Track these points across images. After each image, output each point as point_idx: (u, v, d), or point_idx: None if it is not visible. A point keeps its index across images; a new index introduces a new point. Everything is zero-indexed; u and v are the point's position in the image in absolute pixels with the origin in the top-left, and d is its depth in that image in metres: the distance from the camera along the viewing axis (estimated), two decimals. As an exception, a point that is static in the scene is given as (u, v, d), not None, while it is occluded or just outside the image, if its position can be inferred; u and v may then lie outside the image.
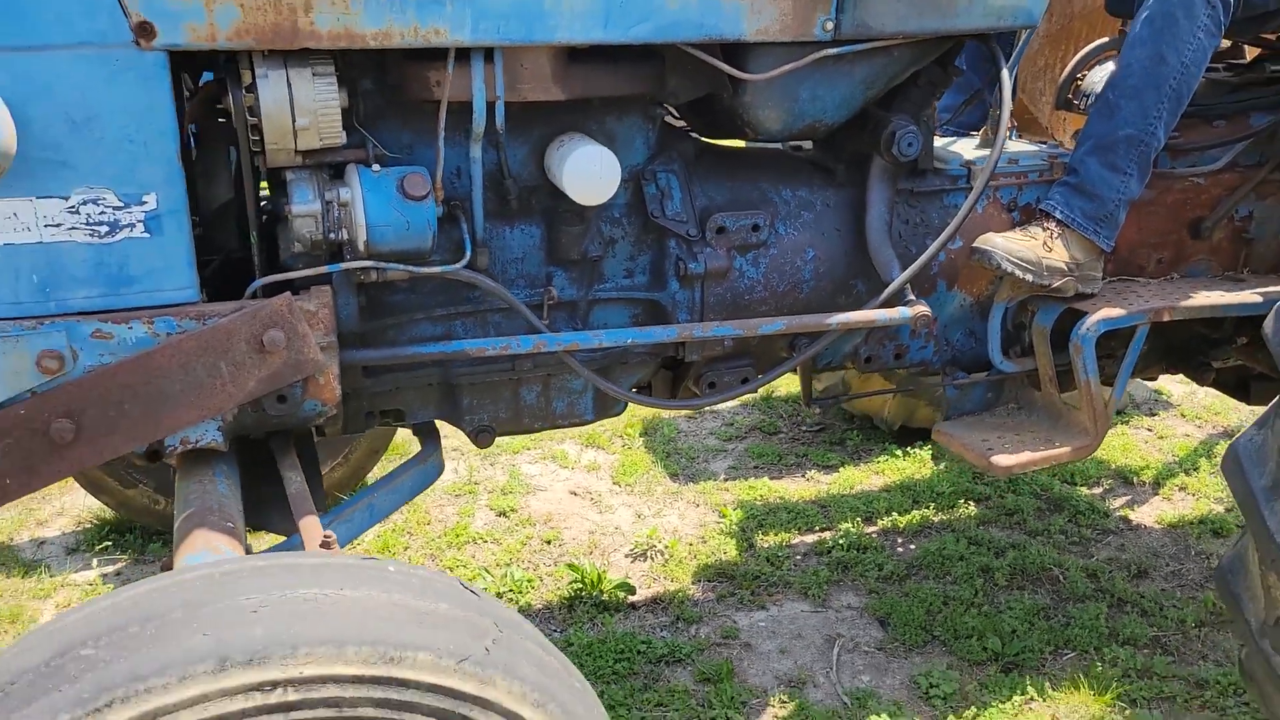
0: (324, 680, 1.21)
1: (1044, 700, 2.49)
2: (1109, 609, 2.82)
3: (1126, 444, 3.72)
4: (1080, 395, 2.30)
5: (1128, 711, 2.44)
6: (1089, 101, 2.83)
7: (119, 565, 2.97)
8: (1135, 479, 3.52)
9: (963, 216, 2.12)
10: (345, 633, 1.23)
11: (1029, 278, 2.18)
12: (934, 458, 3.63)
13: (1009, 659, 2.62)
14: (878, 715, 2.41)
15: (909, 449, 3.67)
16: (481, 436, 2.16)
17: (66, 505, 3.29)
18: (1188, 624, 2.77)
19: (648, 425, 3.79)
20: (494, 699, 1.29)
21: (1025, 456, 2.28)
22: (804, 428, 3.87)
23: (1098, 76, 2.83)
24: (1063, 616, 2.79)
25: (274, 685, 1.19)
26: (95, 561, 2.95)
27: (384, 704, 1.24)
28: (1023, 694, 2.50)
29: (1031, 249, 2.18)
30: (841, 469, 3.57)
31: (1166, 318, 2.30)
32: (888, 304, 2.16)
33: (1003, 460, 2.27)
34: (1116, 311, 2.26)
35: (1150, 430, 3.86)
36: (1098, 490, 3.46)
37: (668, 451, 3.64)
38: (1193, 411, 3.96)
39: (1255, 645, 1.91)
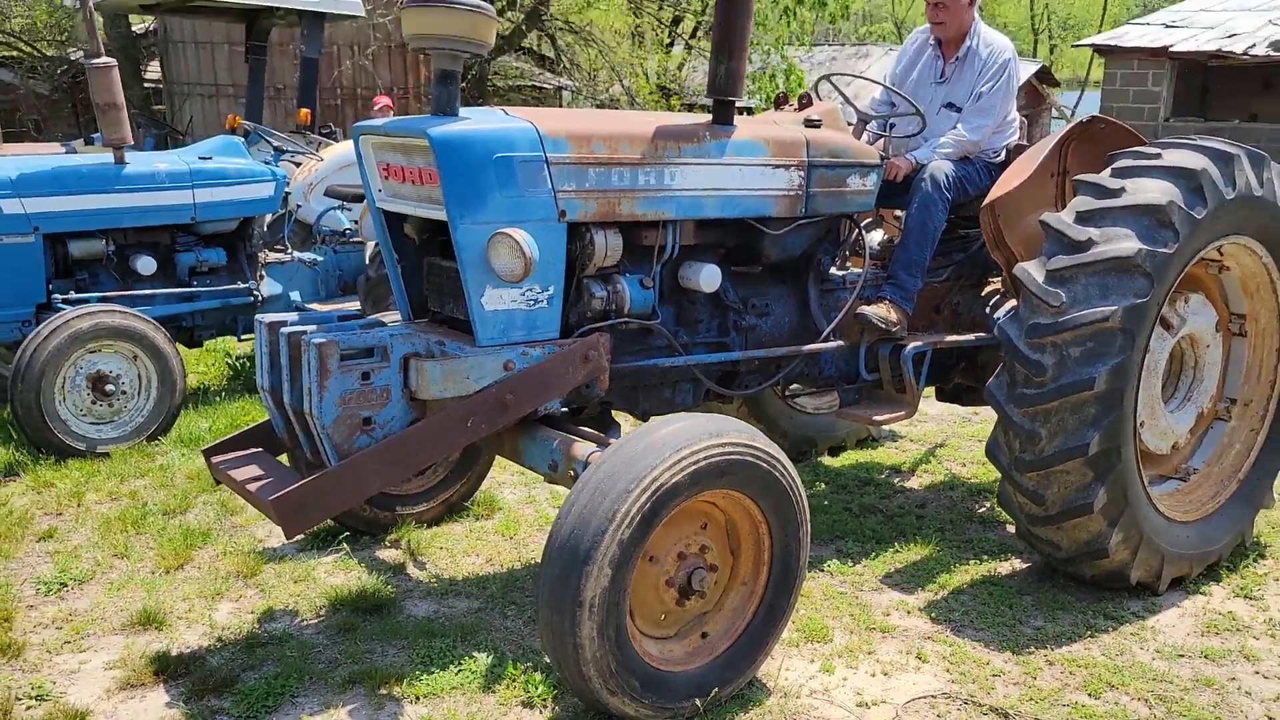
0: (733, 444, 3.23)
1: (905, 551, 4.74)
2: (915, 519, 5.18)
3: (885, 454, 6.20)
4: (906, 387, 4.67)
5: (942, 557, 4.75)
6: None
7: (344, 550, 4.57)
8: (899, 469, 5.97)
9: (854, 300, 4.49)
10: (727, 427, 3.27)
11: (884, 326, 4.55)
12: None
13: (876, 539, 4.88)
14: (832, 561, 4.57)
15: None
16: (644, 417, 4.18)
17: (278, 530, 4.80)
18: (955, 521, 5.17)
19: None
20: (760, 445, 3.30)
21: (887, 416, 4.61)
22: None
23: (871, 236, 5.39)
24: (893, 524, 5.11)
25: (721, 445, 3.20)
26: (343, 547, 4.56)
27: (734, 452, 3.24)
28: (894, 551, 4.74)
29: (884, 314, 4.56)
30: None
31: (939, 346, 4.77)
32: (825, 341, 4.46)
33: (879, 417, 4.59)
34: (919, 343, 4.67)
35: (895, 446, 6.38)
36: (883, 475, 5.88)
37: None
38: (911, 436, 6.53)
39: (1008, 477, 4.27)
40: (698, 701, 3.31)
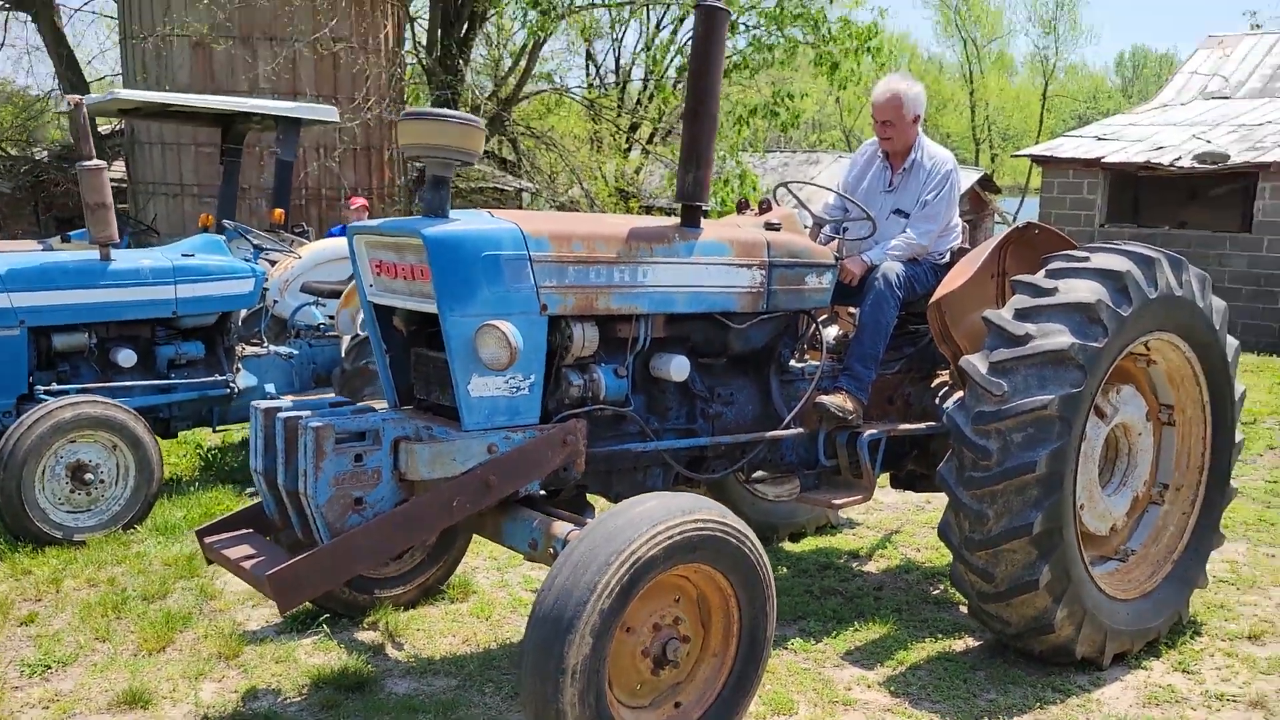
0: (705, 520, 3.47)
1: (864, 630, 4.97)
2: (873, 600, 5.41)
3: (844, 539, 6.45)
4: (862, 472, 4.95)
5: (900, 635, 4.98)
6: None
7: (324, 632, 4.70)
8: (857, 554, 6.22)
9: (812, 390, 4.79)
10: (699, 505, 3.51)
11: (841, 415, 4.84)
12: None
13: (837, 618, 5.10)
14: (795, 640, 4.78)
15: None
16: (617, 499, 4.41)
17: (257, 613, 4.91)
18: (911, 602, 5.41)
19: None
20: (730, 522, 3.56)
21: (845, 499, 4.89)
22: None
23: (827, 331, 5.72)
24: (853, 604, 5.33)
25: (694, 521, 3.44)
26: (322, 628, 4.68)
27: (705, 528, 3.48)
28: (854, 630, 4.96)
29: (841, 403, 4.86)
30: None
31: (893, 434, 5.06)
32: (786, 428, 4.74)
33: (837, 500, 4.85)
34: (874, 430, 4.97)
35: (853, 532, 6.64)
36: (842, 560, 6.12)
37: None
38: (868, 523, 6.80)
39: (959, 556, 4.53)
40: (672, 768, 3.48)
